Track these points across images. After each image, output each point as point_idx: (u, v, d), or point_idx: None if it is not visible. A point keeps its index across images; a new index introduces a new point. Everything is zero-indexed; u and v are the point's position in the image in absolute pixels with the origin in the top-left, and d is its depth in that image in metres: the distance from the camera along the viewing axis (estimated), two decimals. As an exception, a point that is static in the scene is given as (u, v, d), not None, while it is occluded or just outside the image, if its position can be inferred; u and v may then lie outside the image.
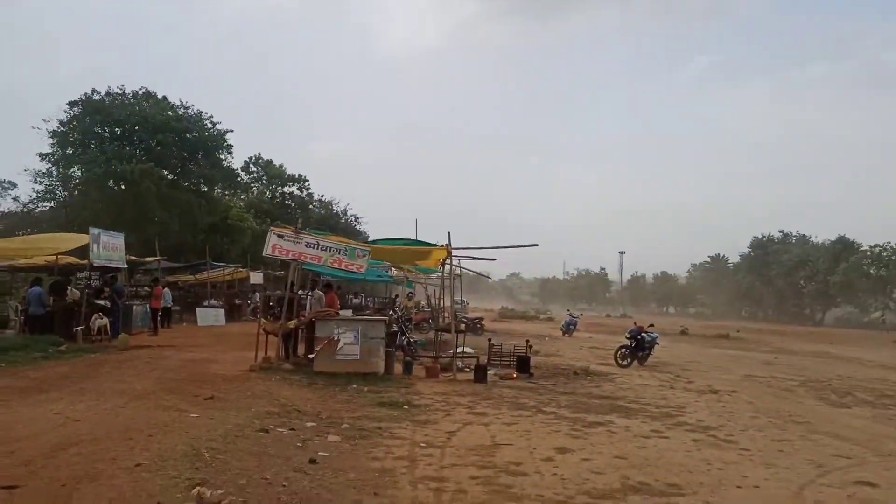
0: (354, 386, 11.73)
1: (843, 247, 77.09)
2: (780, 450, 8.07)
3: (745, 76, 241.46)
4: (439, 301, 22.75)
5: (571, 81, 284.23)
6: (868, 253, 73.85)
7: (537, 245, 15.66)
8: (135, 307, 22.19)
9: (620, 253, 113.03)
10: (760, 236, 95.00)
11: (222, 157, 41.15)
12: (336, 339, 12.91)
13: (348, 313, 15.46)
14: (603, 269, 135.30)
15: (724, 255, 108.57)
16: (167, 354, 15.37)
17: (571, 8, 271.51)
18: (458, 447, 7.45)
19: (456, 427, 8.64)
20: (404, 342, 15.86)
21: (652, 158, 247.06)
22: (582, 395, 12.18)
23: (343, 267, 13.79)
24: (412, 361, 14.66)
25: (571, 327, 35.10)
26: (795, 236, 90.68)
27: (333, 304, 15.30)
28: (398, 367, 14.04)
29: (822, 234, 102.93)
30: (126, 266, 21.68)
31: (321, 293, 15.89)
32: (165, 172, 37.85)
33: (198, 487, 5.28)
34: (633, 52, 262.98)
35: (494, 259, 17.10)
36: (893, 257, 70.26)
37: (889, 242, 72.04)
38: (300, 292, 16.25)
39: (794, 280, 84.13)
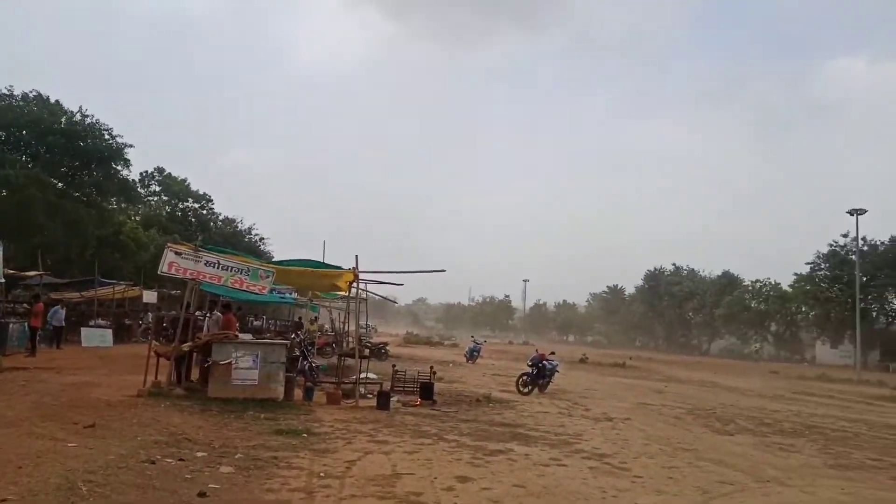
0: (251, 413, 11.25)
1: (728, 281, 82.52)
2: (669, 477, 8.39)
3: (647, 111, 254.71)
4: (344, 325, 22.36)
5: (482, 109, 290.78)
6: (749, 288, 79.28)
7: (444, 271, 15.93)
8: (11, 325, 20.51)
9: (524, 281, 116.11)
10: (654, 269, 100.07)
11: (119, 167, 39.12)
12: (233, 363, 12.42)
13: (248, 336, 14.91)
14: (507, 296, 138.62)
15: (620, 286, 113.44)
16: (45, 377, 14.26)
17: (483, 38, 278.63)
18: (357, 477, 7.28)
19: (356, 456, 8.45)
20: (306, 367, 15.45)
21: (558, 188, 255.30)
22: (484, 423, 12.27)
23: (244, 288, 13.30)
24: (313, 387, 14.29)
25: (475, 354, 35.44)
26: (686, 269, 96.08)
27: (231, 325, 14.72)
28: (298, 393, 13.65)
29: (713, 267, 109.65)
30: (3, 280, 20.04)
31: (220, 315, 15.28)
32: (54, 180, 35.54)
33: (71, 525, 4.88)
34: (542, 82, 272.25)
35: (402, 284, 17.06)
36: (772, 293, 75.71)
37: (769, 278, 77.76)
38: (198, 313, 15.54)
39: (683, 311, 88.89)
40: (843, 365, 54.86)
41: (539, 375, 19.06)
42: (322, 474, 7.33)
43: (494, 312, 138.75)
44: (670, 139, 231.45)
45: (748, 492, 7.82)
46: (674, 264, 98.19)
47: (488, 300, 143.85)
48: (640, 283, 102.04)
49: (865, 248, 57.43)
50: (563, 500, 6.85)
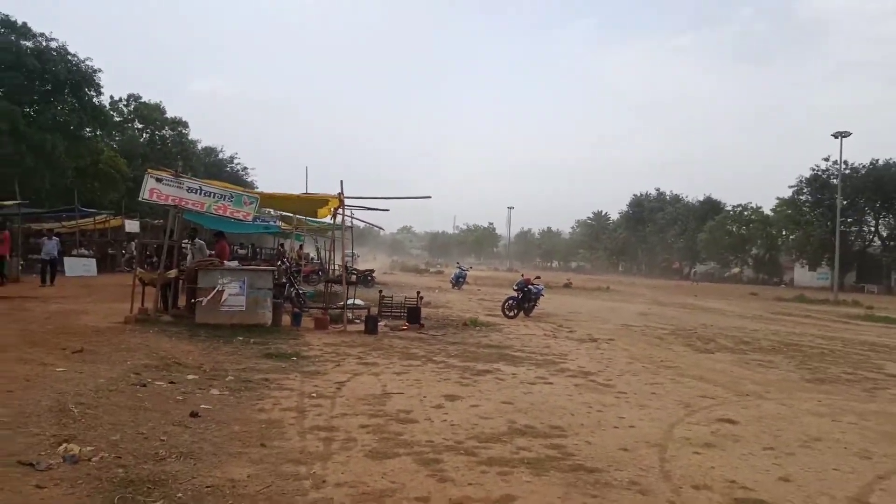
0: (240, 338, 11.36)
1: (710, 206, 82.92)
2: (652, 392, 8.61)
3: (626, 40, 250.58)
4: (329, 253, 22.43)
5: (463, 42, 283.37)
6: (731, 213, 79.88)
7: (430, 197, 15.94)
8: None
9: (509, 208, 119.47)
10: (638, 195, 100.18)
11: (91, 93, 37.77)
12: (220, 289, 12.41)
13: (234, 263, 14.88)
14: (491, 224, 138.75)
15: (604, 212, 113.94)
16: (29, 306, 14.20)
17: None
18: (347, 397, 7.40)
19: (346, 377, 8.57)
20: (293, 294, 15.48)
21: (541, 117, 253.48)
22: (471, 345, 12.47)
23: (228, 214, 13.09)
24: (301, 313, 14.37)
25: (461, 280, 35.67)
26: (669, 195, 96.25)
27: (224, 253, 14.60)
28: (286, 319, 13.74)
29: (696, 192, 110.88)
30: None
31: (202, 242, 15.17)
32: (27, 109, 34.38)
33: (65, 444, 4.91)
34: (521, 10, 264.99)
35: (387, 210, 17.14)
36: (753, 217, 76.37)
37: (750, 203, 78.35)
38: (185, 242, 15.44)
39: (666, 237, 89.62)
40: (821, 287, 56.14)
41: (524, 300, 19.29)
42: (313, 395, 7.44)
43: (479, 240, 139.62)
44: (651, 66, 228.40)
45: (728, 405, 8.06)
46: (657, 189, 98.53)
47: (473, 228, 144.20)
48: (625, 209, 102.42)
49: (847, 171, 57.65)
50: (550, 415, 7.02)
